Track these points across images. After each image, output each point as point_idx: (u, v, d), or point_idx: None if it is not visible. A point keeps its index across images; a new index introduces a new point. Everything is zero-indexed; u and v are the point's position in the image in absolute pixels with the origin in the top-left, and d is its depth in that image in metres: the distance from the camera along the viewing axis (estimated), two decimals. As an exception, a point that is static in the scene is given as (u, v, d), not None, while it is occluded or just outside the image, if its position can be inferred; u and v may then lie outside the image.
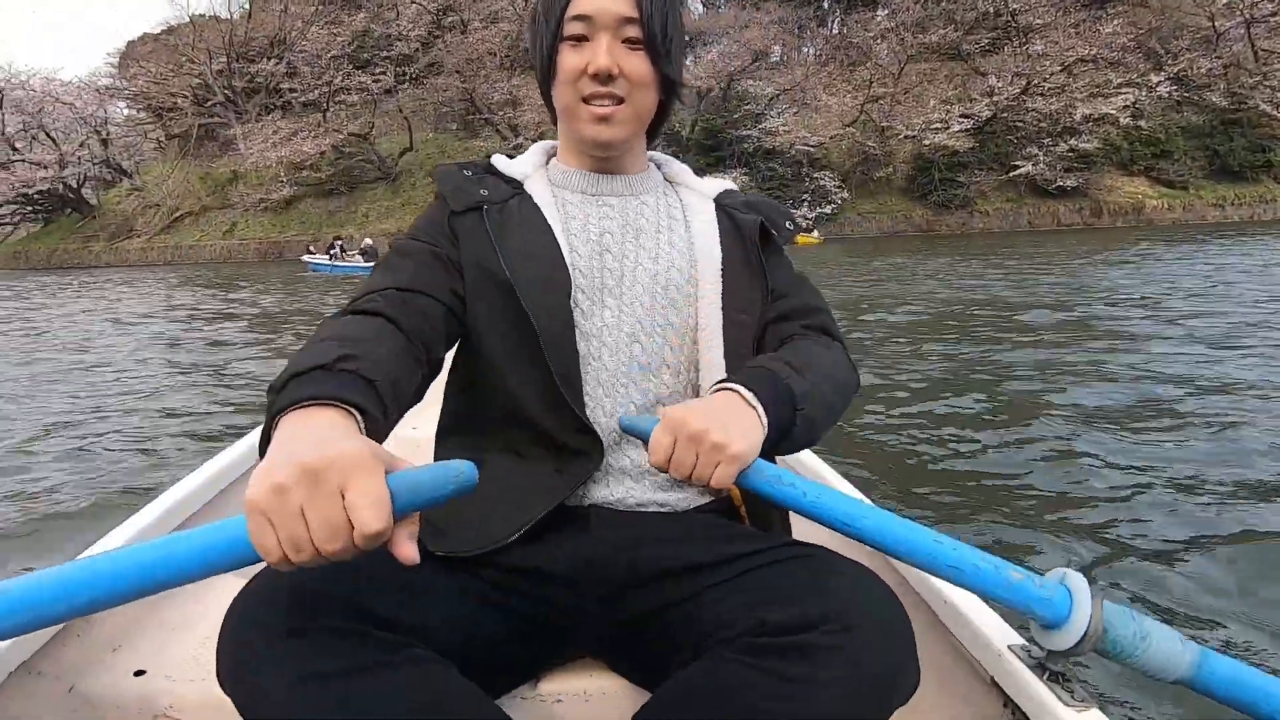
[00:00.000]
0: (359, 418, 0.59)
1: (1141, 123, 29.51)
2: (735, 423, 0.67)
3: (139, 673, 0.85)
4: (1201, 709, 1.32)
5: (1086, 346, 4.97)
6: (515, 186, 0.91)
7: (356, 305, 0.76)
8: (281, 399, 0.59)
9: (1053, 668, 0.72)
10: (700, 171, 1.00)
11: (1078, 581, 0.66)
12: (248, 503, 0.48)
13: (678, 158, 1.00)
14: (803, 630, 0.60)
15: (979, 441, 3.04)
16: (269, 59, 35.29)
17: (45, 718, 0.80)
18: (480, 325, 0.84)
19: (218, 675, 0.58)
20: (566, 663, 0.82)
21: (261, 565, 0.53)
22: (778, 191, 29.01)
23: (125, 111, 39.79)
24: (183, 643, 0.91)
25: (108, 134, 37.13)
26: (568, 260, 0.83)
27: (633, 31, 0.81)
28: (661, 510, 0.82)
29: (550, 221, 0.86)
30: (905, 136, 30.23)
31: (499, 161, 0.94)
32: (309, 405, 0.58)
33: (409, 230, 0.89)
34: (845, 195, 29.86)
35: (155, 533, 1.07)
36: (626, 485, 0.82)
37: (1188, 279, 8.83)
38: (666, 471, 0.67)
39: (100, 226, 34.26)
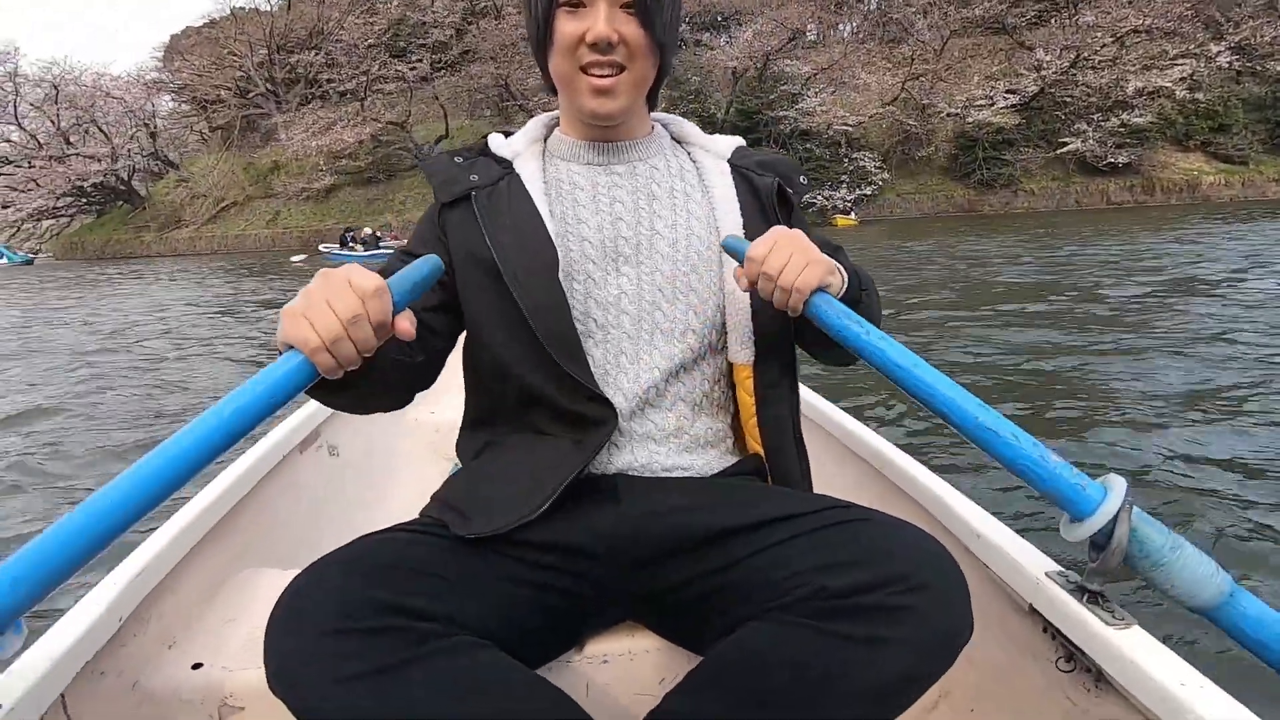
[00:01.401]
0: None
1: (1198, 95, 28.21)
2: (820, 254, 0.77)
3: (196, 665, 0.87)
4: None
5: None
6: (506, 167, 0.89)
7: None
8: None
9: (1091, 588, 0.71)
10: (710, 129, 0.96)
11: (1116, 480, 0.66)
12: (285, 313, 0.62)
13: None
14: (867, 592, 0.62)
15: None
16: (308, 50, 35.82)
17: (113, 716, 0.82)
18: (479, 314, 0.84)
19: (268, 679, 0.61)
20: (610, 626, 0.84)
21: (291, 577, 0.65)
22: (816, 173, 28.52)
23: (170, 104, 40.84)
24: (235, 633, 0.92)
25: (155, 127, 38.13)
26: (554, 237, 0.82)
27: None
28: (687, 474, 0.83)
29: (535, 197, 0.85)
30: (947, 114, 29.40)
31: (493, 141, 0.93)
32: None
33: (410, 236, 0.91)
34: (885, 176, 29.24)
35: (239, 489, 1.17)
36: (650, 449, 0.82)
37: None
38: (758, 269, 0.75)
39: (150, 217, 35.26)
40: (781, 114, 29.50)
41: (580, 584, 0.77)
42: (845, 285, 0.80)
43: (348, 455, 1.64)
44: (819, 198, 28.10)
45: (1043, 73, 28.75)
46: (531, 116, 0.98)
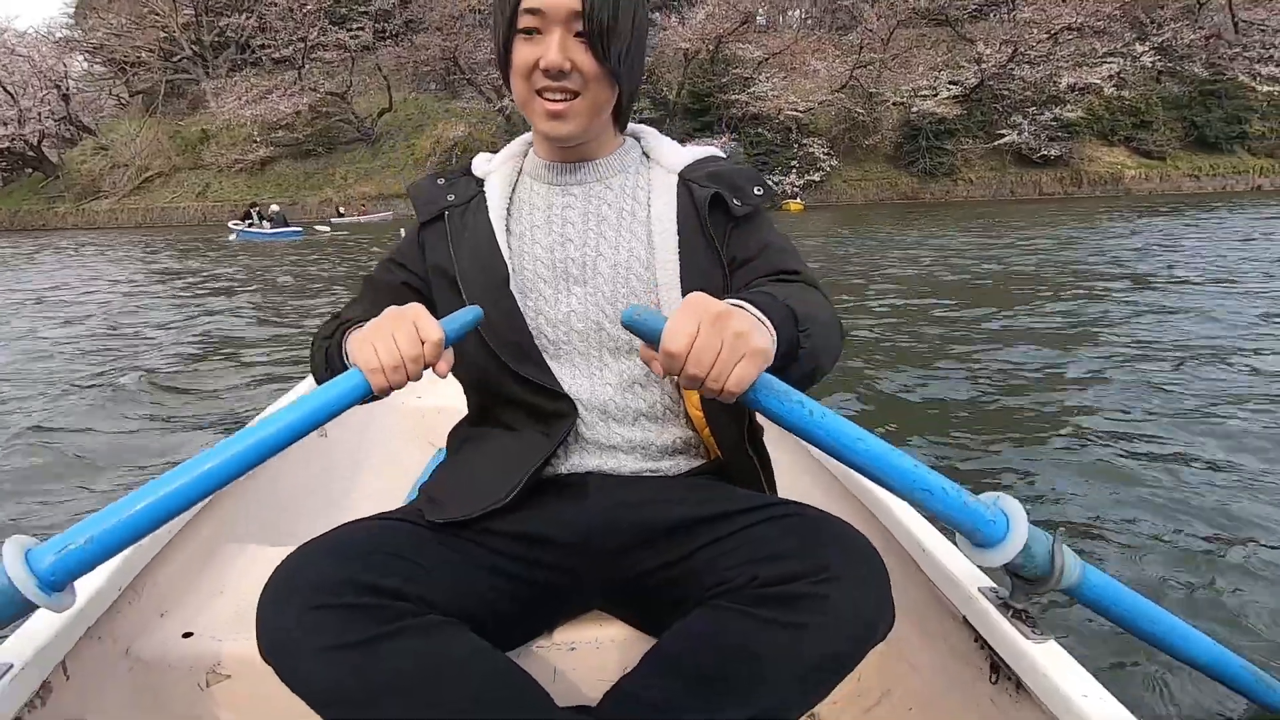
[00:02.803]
0: None
1: (1124, 93, 29.71)
2: (754, 323, 0.64)
3: (187, 634, 0.91)
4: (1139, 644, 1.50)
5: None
6: (481, 186, 0.94)
7: (343, 323, 0.89)
8: (340, 333, 0.84)
9: (1016, 605, 0.80)
10: (686, 139, 0.98)
11: (1012, 505, 0.74)
12: (354, 338, 0.72)
13: (664, 122, 0.98)
14: (794, 581, 0.68)
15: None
16: (239, 12, 33.77)
17: (108, 680, 0.86)
18: None
19: (259, 650, 0.67)
20: (579, 615, 0.89)
21: (289, 549, 0.73)
22: (766, 158, 28.81)
23: (84, 65, 37.91)
24: (225, 605, 0.97)
25: (67, 89, 35.36)
26: (506, 254, 0.87)
27: (583, 25, 0.79)
28: (655, 475, 0.87)
29: (493, 216, 0.89)
30: (893, 103, 30.11)
31: (477, 161, 0.99)
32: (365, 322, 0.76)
33: (393, 249, 0.98)
34: (834, 163, 29.77)
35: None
36: (619, 458, 0.87)
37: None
38: (679, 367, 0.60)
39: (65, 186, 32.81)
40: (734, 97, 29.58)
41: (550, 573, 0.81)
42: (774, 343, 0.66)
43: (336, 436, 1.66)
44: (769, 181, 28.34)
45: (982, 65, 29.69)
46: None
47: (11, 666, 0.72)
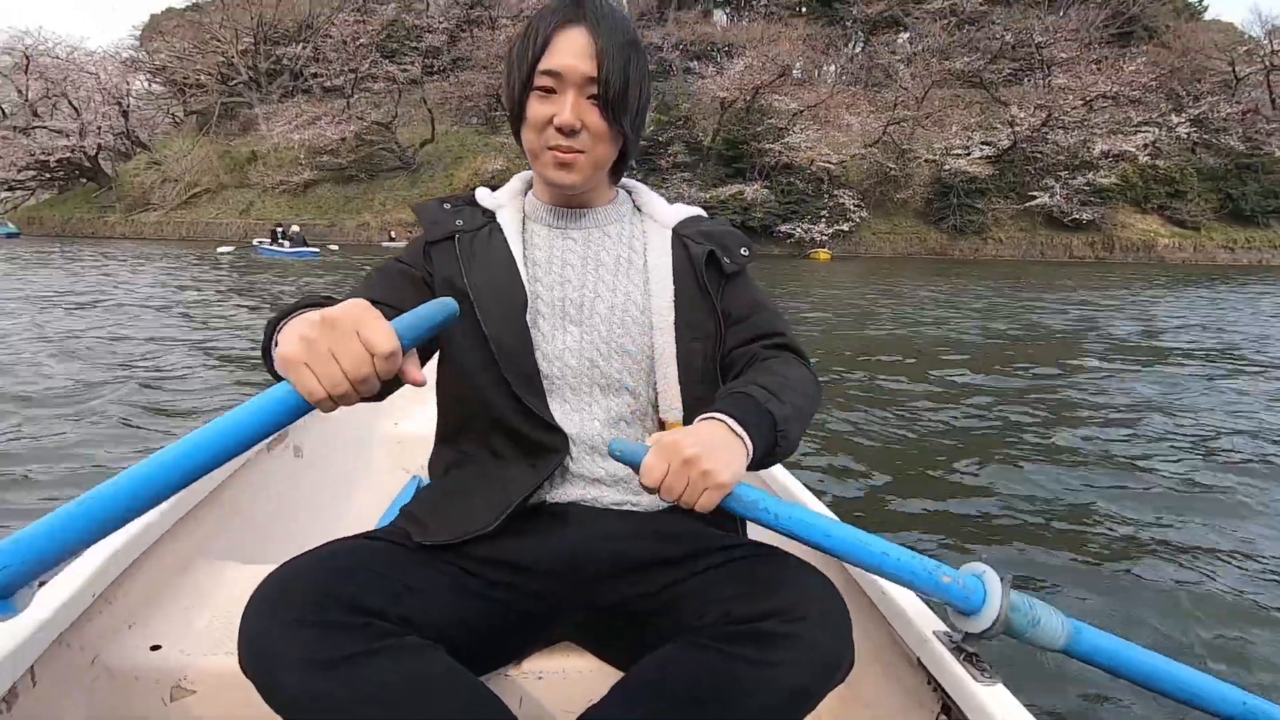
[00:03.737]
0: None
1: (1158, 161, 29.81)
2: (723, 451, 0.71)
3: (155, 647, 0.90)
4: (1082, 683, 1.51)
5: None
6: (489, 217, 0.98)
7: (300, 305, 0.87)
8: (279, 318, 0.75)
9: (968, 649, 0.84)
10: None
11: (992, 578, 0.78)
12: (284, 358, 0.57)
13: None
14: (764, 620, 0.71)
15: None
16: (295, 42, 35.40)
17: (74, 688, 0.85)
18: (454, 343, 0.92)
19: (240, 663, 0.67)
20: (548, 645, 0.90)
21: (272, 567, 0.70)
22: (796, 206, 29.15)
23: (144, 85, 39.74)
24: (196, 619, 0.96)
25: (128, 106, 37.06)
26: (525, 283, 0.91)
27: (596, 89, 0.86)
28: (635, 510, 0.90)
29: (513, 248, 0.93)
30: (926, 160, 30.44)
31: (480, 194, 1.02)
32: (305, 310, 0.71)
33: (400, 254, 1.00)
34: (863, 215, 30.02)
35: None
36: (601, 489, 0.90)
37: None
38: (657, 493, 0.71)
39: (116, 197, 34.18)
40: (767, 146, 30.11)
41: (528, 600, 0.84)
42: (749, 454, 0.75)
43: (311, 457, 1.67)
44: (798, 230, 28.74)
45: (1016, 128, 30.00)
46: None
47: None
